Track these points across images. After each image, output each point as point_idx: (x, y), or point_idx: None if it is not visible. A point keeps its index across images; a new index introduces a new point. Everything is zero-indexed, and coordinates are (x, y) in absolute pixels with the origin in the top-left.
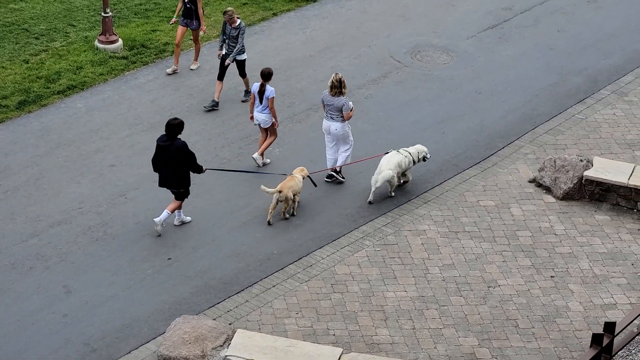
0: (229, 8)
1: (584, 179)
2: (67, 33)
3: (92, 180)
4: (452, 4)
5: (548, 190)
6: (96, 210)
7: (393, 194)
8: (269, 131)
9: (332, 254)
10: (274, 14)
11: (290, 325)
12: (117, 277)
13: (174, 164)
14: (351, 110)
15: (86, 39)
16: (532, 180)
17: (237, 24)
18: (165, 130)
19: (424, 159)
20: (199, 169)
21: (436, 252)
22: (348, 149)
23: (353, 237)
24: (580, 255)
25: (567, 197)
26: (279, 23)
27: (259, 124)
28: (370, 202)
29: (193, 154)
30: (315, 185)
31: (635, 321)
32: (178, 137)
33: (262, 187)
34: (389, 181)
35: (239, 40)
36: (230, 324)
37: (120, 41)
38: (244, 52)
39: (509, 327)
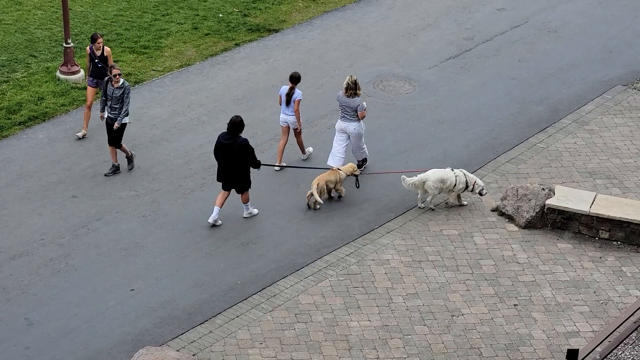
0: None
1: (546, 207)
2: (28, 64)
3: (53, 211)
4: (414, 34)
5: (511, 219)
6: (58, 242)
7: (422, 205)
8: (295, 132)
9: (296, 284)
10: (237, 44)
11: (254, 355)
12: (80, 309)
13: (236, 159)
14: (365, 110)
15: (48, 69)
16: (495, 209)
17: (120, 83)
18: (228, 128)
19: (480, 193)
20: (257, 164)
21: (400, 281)
22: (364, 148)
23: (316, 266)
24: (543, 284)
25: (529, 225)
26: (242, 53)
27: (288, 125)
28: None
29: (253, 149)
30: (358, 187)
31: (597, 348)
32: (240, 135)
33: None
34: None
35: (125, 101)
36: (194, 355)
37: (82, 72)
38: (127, 115)
39: (473, 355)
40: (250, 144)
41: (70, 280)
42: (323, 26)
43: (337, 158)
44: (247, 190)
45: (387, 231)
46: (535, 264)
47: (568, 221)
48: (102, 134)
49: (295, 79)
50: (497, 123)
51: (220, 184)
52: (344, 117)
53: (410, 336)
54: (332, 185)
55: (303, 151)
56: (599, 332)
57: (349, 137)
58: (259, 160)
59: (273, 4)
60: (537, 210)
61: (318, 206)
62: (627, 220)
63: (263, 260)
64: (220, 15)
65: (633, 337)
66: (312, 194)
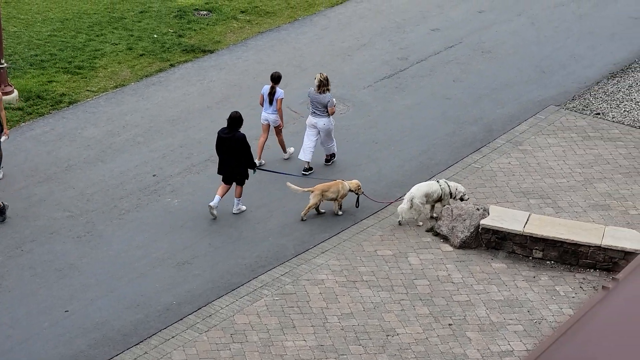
0: None
1: (480, 227)
2: None
3: None
4: (348, 54)
5: (445, 239)
6: None
7: (421, 223)
8: (276, 130)
9: (231, 304)
10: (171, 65)
11: None
12: (14, 330)
13: (234, 153)
14: (334, 106)
15: None
16: (430, 230)
17: None
18: (228, 123)
19: (461, 198)
20: (252, 164)
21: (334, 301)
22: (333, 143)
23: (252, 286)
24: (477, 303)
25: (464, 245)
26: (177, 74)
27: (268, 123)
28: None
29: (249, 147)
30: (357, 207)
31: None
32: (239, 129)
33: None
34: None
35: None
36: None
37: (16, 92)
38: None
39: None
40: (247, 141)
41: (4, 302)
42: (258, 47)
43: (308, 153)
44: (244, 184)
45: (321, 251)
46: (469, 284)
47: (502, 241)
48: (37, 153)
49: (276, 79)
50: (432, 143)
51: (220, 178)
52: (314, 112)
53: (345, 356)
54: (330, 196)
55: (284, 150)
56: (532, 351)
57: (319, 132)
58: (254, 163)
59: (208, 24)
60: (472, 230)
61: (305, 218)
62: (560, 240)
63: (199, 280)
64: (155, 36)
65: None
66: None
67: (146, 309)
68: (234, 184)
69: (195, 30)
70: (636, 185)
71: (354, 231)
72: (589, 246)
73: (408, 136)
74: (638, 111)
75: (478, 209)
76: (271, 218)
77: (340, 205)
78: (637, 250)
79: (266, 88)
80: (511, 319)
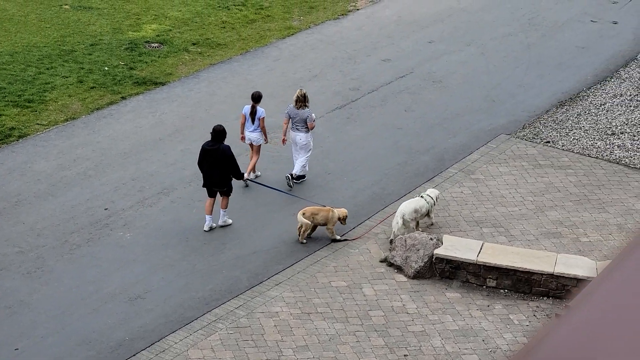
0: None
1: (434, 257)
2: None
3: None
4: (299, 85)
5: (399, 269)
6: None
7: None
8: (255, 150)
9: (185, 338)
10: (123, 98)
11: None
12: None
13: (220, 165)
14: (314, 121)
15: None
16: (384, 260)
17: None
18: (212, 136)
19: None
20: (240, 175)
21: (289, 334)
22: (307, 157)
23: (206, 320)
24: (432, 333)
25: (418, 275)
26: (128, 107)
27: (251, 142)
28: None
29: (234, 157)
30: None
31: None
32: (223, 142)
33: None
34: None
35: None
36: None
37: None
38: None
39: None
40: (232, 152)
41: None
42: (210, 79)
43: (299, 167)
44: (229, 195)
45: (275, 283)
46: (424, 314)
47: (456, 270)
48: None
49: (256, 98)
50: (384, 173)
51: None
52: (295, 127)
53: None
54: (318, 221)
55: (253, 171)
56: None
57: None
58: (243, 173)
59: (159, 57)
60: (426, 260)
61: (305, 240)
62: (514, 268)
63: (151, 315)
64: (106, 68)
65: None
66: (301, 226)
67: (98, 346)
68: (218, 196)
69: (146, 62)
70: (587, 213)
71: (307, 262)
72: (542, 274)
73: (361, 166)
74: (587, 139)
75: (431, 239)
76: (224, 250)
77: (333, 232)
78: (589, 277)
79: (247, 108)
80: (466, 349)
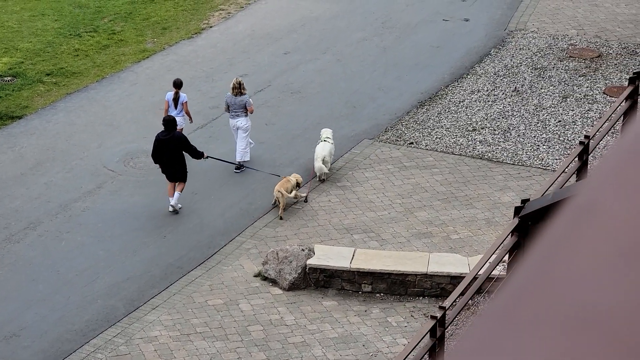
0: None
1: (307, 267)
2: None
3: None
4: (159, 107)
5: (274, 282)
6: None
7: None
8: (178, 182)
9: None
10: None
11: None
12: None
13: (179, 152)
14: (252, 105)
15: None
16: (258, 275)
17: None
18: (164, 126)
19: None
20: (199, 154)
21: (170, 357)
22: (248, 149)
23: (84, 351)
24: (312, 343)
25: (293, 287)
26: None
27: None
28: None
29: (188, 139)
30: (306, 201)
31: None
32: (175, 130)
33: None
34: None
35: None
36: None
37: None
38: None
39: None
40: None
41: None
42: (67, 109)
43: (241, 153)
44: (185, 180)
45: (152, 307)
46: (303, 325)
47: (331, 279)
48: None
49: (179, 84)
50: (251, 188)
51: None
52: (233, 115)
53: None
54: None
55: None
56: None
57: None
58: (202, 152)
59: (13, 90)
60: (299, 271)
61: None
62: (388, 272)
63: (28, 352)
64: None
65: None
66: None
67: None
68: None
69: (0, 97)
70: (455, 210)
71: (182, 283)
72: (416, 275)
73: (227, 184)
74: (449, 137)
75: (303, 250)
76: (98, 279)
77: (300, 199)
78: (462, 273)
79: (170, 94)
80: (347, 355)
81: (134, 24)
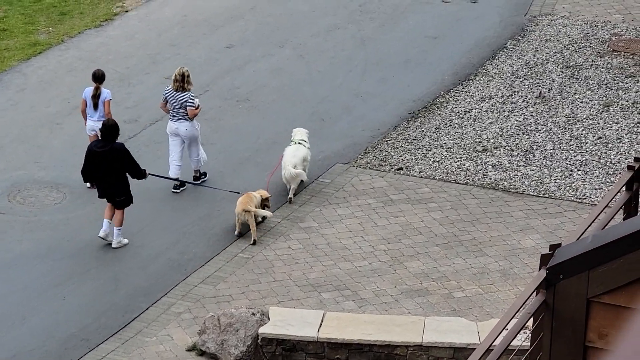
0: None
1: (260, 337)
2: None
3: None
4: (56, 121)
5: (215, 358)
6: None
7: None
8: (117, 209)
9: None
10: None
11: None
12: None
13: (114, 168)
14: (197, 108)
15: None
16: (192, 348)
17: None
18: (102, 134)
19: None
20: (142, 173)
21: None
22: (201, 155)
23: None
24: None
25: None
26: None
27: (96, 133)
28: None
29: (130, 154)
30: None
31: None
32: (115, 140)
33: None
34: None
35: None
36: None
37: None
38: None
39: None
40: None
41: None
42: None
43: (175, 167)
44: (126, 206)
45: None
46: None
47: (292, 352)
48: None
49: (100, 77)
50: (182, 232)
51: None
52: (173, 116)
53: None
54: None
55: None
56: None
57: (183, 140)
58: (144, 169)
59: None
60: (249, 342)
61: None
62: (369, 343)
63: None
64: None
65: None
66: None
67: None
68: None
69: None
70: (459, 259)
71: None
72: (407, 346)
73: (149, 226)
74: (451, 160)
75: (254, 314)
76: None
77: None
78: (469, 344)
79: (88, 90)
80: None
81: (22, 7)
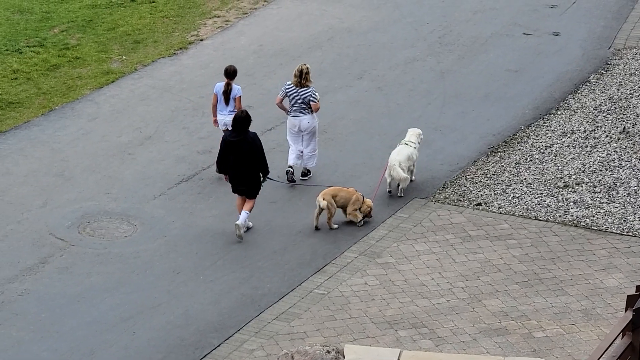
0: None
1: None
2: None
3: None
4: (128, 152)
5: None
6: None
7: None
8: (248, 199)
9: None
10: None
11: None
12: None
13: (246, 159)
14: (318, 101)
15: None
16: None
17: None
18: (234, 126)
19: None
20: (267, 168)
21: None
22: (315, 152)
23: None
24: None
25: None
26: None
27: (227, 128)
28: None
29: (263, 150)
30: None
31: None
32: (248, 130)
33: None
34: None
35: None
36: None
37: None
38: None
39: None
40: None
41: None
42: (1, 152)
43: (294, 156)
44: (255, 196)
45: None
46: None
47: None
48: None
49: (232, 73)
50: (256, 266)
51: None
52: (293, 111)
53: None
54: (341, 202)
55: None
56: None
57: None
58: (268, 170)
59: None
60: None
61: (335, 225)
62: None
63: None
64: None
65: None
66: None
67: None
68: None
69: None
70: (539, 298)
71: None
72: None
73: (222, 260)
74: (532, 196)
75: (329, 352)
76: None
77: (356, 215)
78: None
79: (219, 85)
80: None
81: (95, 35)
